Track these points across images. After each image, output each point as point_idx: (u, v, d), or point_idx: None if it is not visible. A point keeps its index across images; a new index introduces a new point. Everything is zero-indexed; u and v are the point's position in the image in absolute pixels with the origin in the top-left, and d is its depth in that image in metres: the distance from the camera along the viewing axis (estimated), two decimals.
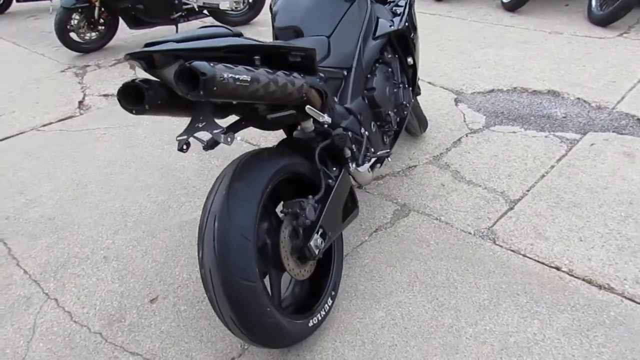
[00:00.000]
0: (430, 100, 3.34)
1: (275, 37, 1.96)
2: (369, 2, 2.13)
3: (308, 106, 1.58)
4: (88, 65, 4.74)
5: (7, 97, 4.18)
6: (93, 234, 2.40)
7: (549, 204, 2.29)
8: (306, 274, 1.71)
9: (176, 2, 4.90)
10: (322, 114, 1.62)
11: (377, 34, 2.10)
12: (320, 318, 1.70)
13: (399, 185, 2.54)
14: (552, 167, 2.56)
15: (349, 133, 1.83)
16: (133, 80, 1.34)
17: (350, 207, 1.91)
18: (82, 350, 1.80)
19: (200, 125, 1.41)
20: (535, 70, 3.63)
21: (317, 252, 1.63)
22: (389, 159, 2.20)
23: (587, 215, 2.21)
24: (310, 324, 1.65)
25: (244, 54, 1.41)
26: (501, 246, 2.09)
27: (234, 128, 1.74)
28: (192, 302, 1.95)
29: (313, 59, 1.61)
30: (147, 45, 1.30)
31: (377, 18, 2.15)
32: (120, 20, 4.99)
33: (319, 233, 1.65)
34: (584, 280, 1.89)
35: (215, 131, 1.39)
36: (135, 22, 4.93)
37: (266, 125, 1.82)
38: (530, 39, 4.25)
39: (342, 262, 1.92)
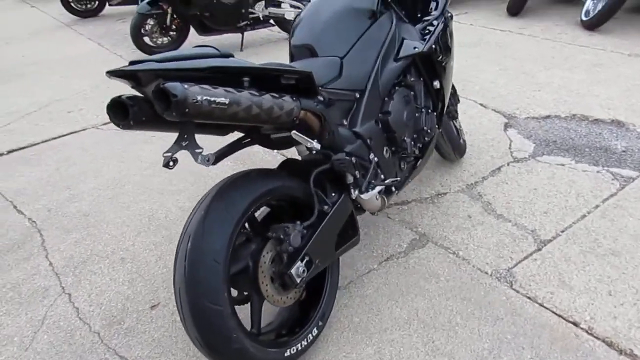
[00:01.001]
0: (477, 123, 3.16)
1: (291, 55, 1.94)
2: (393, 21, 2.04)
3: (294, 131, 1.54)
4: None
5: (81, 95, 4.50)
6: (117, 234, 2.51)
7: (582, 249, 2.07)
8: (288, 301, 1.66)
9: (243, 11, 5.05)
10: (310, 140, 1.57)
11: (399, 55, 2.01)
12: (299, 348, 1.64)
13: (423, 212, 2.42)
14: (597, 207, 2.31)
15: (353, 158, 1.75)
16: (119, 96, 1.37)
17: (349, 234, 1.84)
18: (78, 348, 1.87)
19: (184, 144, 1.42)
20: (601, 97, 3.32)
21: (299, 280, 1.57)
22: (399, 186, 2.08)
23: (625, 266, 1.96)
24: (287, 354, 1.60)
25: (230, 76, 1.40)
26: (517, 291, 1.91)
27: (237, 146, 1.74)
28: None
29: (311, 82, 1.56)
30: (131, 63, 1.32)
31: (402, 39, 2.06)
32: (191, 27, 5.22)
33: (304, 261, 1.60)
34: (603, 341, 1.68)
35: (196, 150, 1.40)
36: (204, 29, 5.14)
37: (271, 144, 1.80)
38: (604, 61, 3.90)
39: (336, 292, 1.85)
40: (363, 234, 2.31)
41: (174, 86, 1.23)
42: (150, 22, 5.09)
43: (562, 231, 2.19)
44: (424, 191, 2.58)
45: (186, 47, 5.46)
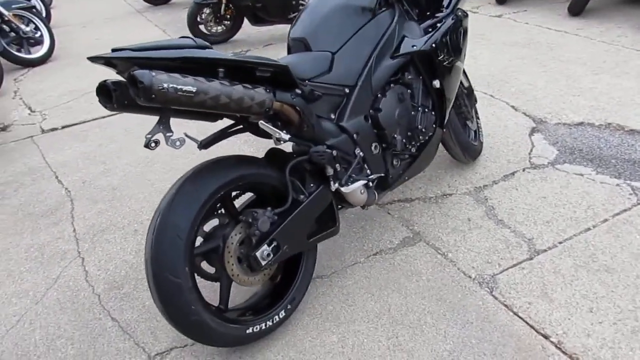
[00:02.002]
0: (502, 126, 3.07)
1: (288, 48, 2.01)
2: (394, 19, 2.05)
3: (261, 122, 1.61)
4: None
5: None
6: (137, 208, 2.71)
7: (575, 263, 1.99)
8: (255, 282, 1.75)
9: (293, 2, 5.15)
10: (278, 130, 1.64)
11: (397, 53, 2.02)
12: (263, 328, 1.73)
13: (423, 211, 2.42)
14: (605, 220, 2.20)
15: (334, 151, 1.80)
16: (105, 81, 1.51)
17: (327, 225, 1.90)
18: (78, 307, 2.07)
19: (160, 127, 1.53)
20: None
21: (263, 263, 1.66)
22: (392, 183, 2.10)
23: (615, 284, 1.88)
24: (249, 331, 1.69)
25: (205, 66, 1.50)
26: (496, 298, 1.88)
27: (227, 133, 1.85)
28: None
29: (288, 75, 1.63)
30: (113, 50, 1.45)
31: (403, 36, 2.06)
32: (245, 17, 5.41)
33: (271, 245, 1.68)
34: (570, 357, 1.63)
35: (167, 134, 1.51)
36: (256, 20, 5.30)
37: (260, 132, 1.89)
38: None
39: (310, 278, 1.91)
40: (359, 227, 2.36)
41: (142, 73, 1.35)
42: (206, 11, 5.32)
43: (560, 242, 2.11)
44: (430, 190, 2.56)
45: (249, 34, 5.68)
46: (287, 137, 1.65)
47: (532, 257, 2.05)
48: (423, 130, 2.10)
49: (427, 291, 1.95)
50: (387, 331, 1.80)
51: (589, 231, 2.16)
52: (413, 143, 2.12)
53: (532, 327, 1.75)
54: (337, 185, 1.83)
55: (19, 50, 5.46)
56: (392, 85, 2.02)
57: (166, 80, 1.37)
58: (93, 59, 1.44)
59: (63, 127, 3.86)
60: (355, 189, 1.88)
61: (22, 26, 5.43)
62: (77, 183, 3.03)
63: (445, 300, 1.90)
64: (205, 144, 1.83)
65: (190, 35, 1.54)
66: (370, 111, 1.96)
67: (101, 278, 2.23)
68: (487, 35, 4.68)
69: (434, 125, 2.17)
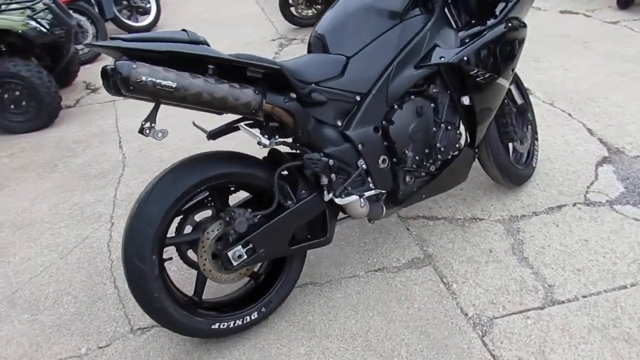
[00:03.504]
0: (568, 151, 2.74)
1: (308, 46, 1.94)
2: (427, 25, 1.89)
3: (241, 123, 1.58)
4: (295, 39, 5.26)
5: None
6: None
7: (592, 323, 1.74)
8: (229, 280, 1.75)
9: None
10: (258, 135, 1.60)
11: (423, 62, 1.87)
12: (230, 326, 1.73)
13: (444, 232, 2.25)
14: None
15: (331, 160, 1.73)
16: (106, 66, 1.57)
17: (317, 234, 1.84)
18: (92, 269, 2.24)
19: (151, 116, 1.58)
20: None
21: (235, 263, 1.65)
22: (403, 200, 1.97)
23: (629, 356, 1.61)
24: (213, 327, 1.70)
25: (196, 62, 1.50)
26: (485, 344, 1.71)
27: (234, 127, 1.85)
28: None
29: (281, 77, 1.58)
30: (111, 38, 1.50)
31: (435, 45, 1.90)
32: None
33: (246, 247, 1.66)
34: None
35: (152, 124, 1.55)
36: None
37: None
38: None
39: (292, 284, 1.87)
40: (371, 238, 2.26)
41: (122, 64, 1.39)
42: None
43: (584, 296, 1.85)
44: (460, 211, 2.38)
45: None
46: (267, 141, 1.61)
47: (544, 307, 1.83)
48: (442, 149, 1.94)
49: (414, 321, 1.82)
50: (356, 355, 1.72)
51: (623, 289, 1.87)
52: (431, 161, 1.97)
53: None
54: (330, 195, 1.76)
55: (128, 18, 5.93)
56: (412, 97, 1.88)
57: (145, 74, 1.39)
58: (88, 45, 1.50)
59: None
60: (351, 201, 1.79)
61: None
62: (134, 151, 3.24)
63: (428, 335, 1.76)
64: (213, 135, 1.85)
65: (187, 31, 1.53)
66: (383, 122, 1.84)
67: (120, 245, 2.37)
68: (591, 44, 4.18)
69: (458, 145, 1.99)
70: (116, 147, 3.32)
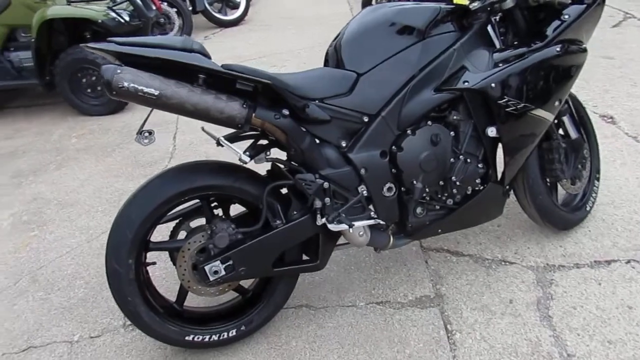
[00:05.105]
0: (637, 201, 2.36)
1: (325, 59, 1.82)
2: (457, 44, 1.69)
3: (221, 137, 1.52)
4: None
5: (294, 53, 5.00)
6: None
7: None
8: (208, 294, 1.71)
9: None
10: (238, 151, 1.53)
11: (444, 86, 1.68)
12: (205, 340, 1.69)
13: (465, 272, 2.03)
14: None
15: (326, 183, 1.62)
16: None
17: (305, 258, 1.74)
18: None
19: (144, 121, 1.58)
20: None
21: (211, 278, 1.61)
22: (413, 233, 1.80)
23: None
24: (187, 338, 1.67)
25: (186, 70, 1.46)
26: None
27: (241, 136, 1.80)
28: None
29: (272, 92, 1.50)
30: (108, 41, 1.51)
31: (462, 67, 1.70)
32: None
33: (225, 263, 1.61)
34: None
35: (142, 129, 1.55)
36: None
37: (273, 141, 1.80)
38: None
39: (277, 308, 1.79)
40: (383, 267, 2.11)
41: (107, 68, 1.39)
42: None
43: None
44: (489, 250, 2.14)
45: None
46: (247, 159, 1.54)
47: None
48: (459, 182, 1.73)
49: None
50: None
51: None
52: (446, 194, 1.78)
53: None
54: (323, 220, 1.65)
55: (219, 11, 6.14)
56: (428, 122, 1.70)
57: (128, 79, 1.38)
58: (86, 47, 1.51)
59: None
60: (342, 228, 1.66)
61: None
62: (185, 143, 3.33)
63: None
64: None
65: (187, 38, 1.50)
66: (392, 148, 1.69)
67: None
68: None
69: (478, 180, 1.77)
70: (170, 138, 3.43)
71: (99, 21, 3.64)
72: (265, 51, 5.10)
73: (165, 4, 5.33)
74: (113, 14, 3.70)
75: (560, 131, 2.08)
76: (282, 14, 6.40)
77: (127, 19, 3.79)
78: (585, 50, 1.83)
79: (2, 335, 1.93)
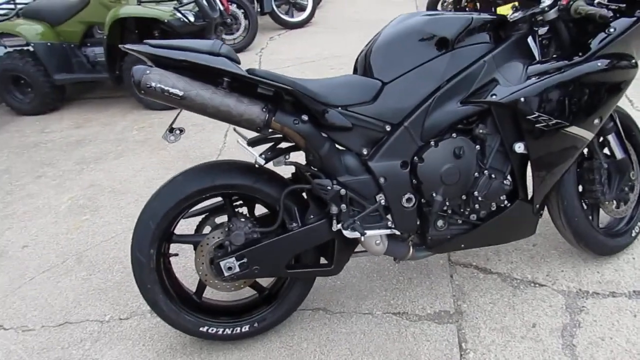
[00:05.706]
0: None
1: (354, 66, 1.83)
2: (489, 55, 1.63)
3: (239, 139, 1.56)
4: None
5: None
6: None
7: None
8: (224, 288, 1.77)
9: None
10: (254, 153, 1.58)
11: (471, 98, 1.63)
12: (218, 332, 1.75)
13: (490, 290, 1.97)
14: None
15: (343, 190, 1.63)
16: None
17: (321, 262, 1.76)
18: None
19: (174, 120, 1.67)
20: None
21: (225, 274, 1.67)
22: (432, 245, 1.77)
23: None
24: (201, 329, 1.75)
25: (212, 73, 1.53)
26: None
27: (268, 137, 1.86)
28: None
29: (295, 98, 1.54)
30: (143, 42, 1.60)
31: (493, 79, 1.64)
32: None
33: (240, 261, 1.66)
34: None
35: (170, 127, 1.63)
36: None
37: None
38: None
39: (292, 307, 1.82)
40: (406, 277, 2.09)
41: (137, 69, 1.48)
42: None
43: None
44: (520, 270, 2.05)
45: None
46: (262, 161, 1.58)
47: None
48: (481, 198, 1.68)
49: None
50: None
51: None
52: (469, 209, 1.73)
53: None
54: (338, 226, 1.66)
55: (286, 13, 6.27)
56: (453, 135, 1.66)
57: (156, 80, 1.47)
58: (124, 48, 1.61)
59: None
60: (355, 235, 1.66)
61: None
62: (234, 142, 3.43)
63: None
64: (251, 143, 1.87)
65: (216, 42, 1.56)
66: (414, 158, 1.67)
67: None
68: None
69: (503, 197, 1.71)
70: (222, 135, 3.57)
71: (166, 21, 3.84)
72: (325, 53, 5.15)
73: (235, 5, 5.53)
74: (179, 15, 3.89)
75: (606, 150, 1.96)
76: (348, 17, 6.43)
77: (192, 19, 3.97)
78: (636, 65, 1.72)
79: (44, 309, 2.10)
